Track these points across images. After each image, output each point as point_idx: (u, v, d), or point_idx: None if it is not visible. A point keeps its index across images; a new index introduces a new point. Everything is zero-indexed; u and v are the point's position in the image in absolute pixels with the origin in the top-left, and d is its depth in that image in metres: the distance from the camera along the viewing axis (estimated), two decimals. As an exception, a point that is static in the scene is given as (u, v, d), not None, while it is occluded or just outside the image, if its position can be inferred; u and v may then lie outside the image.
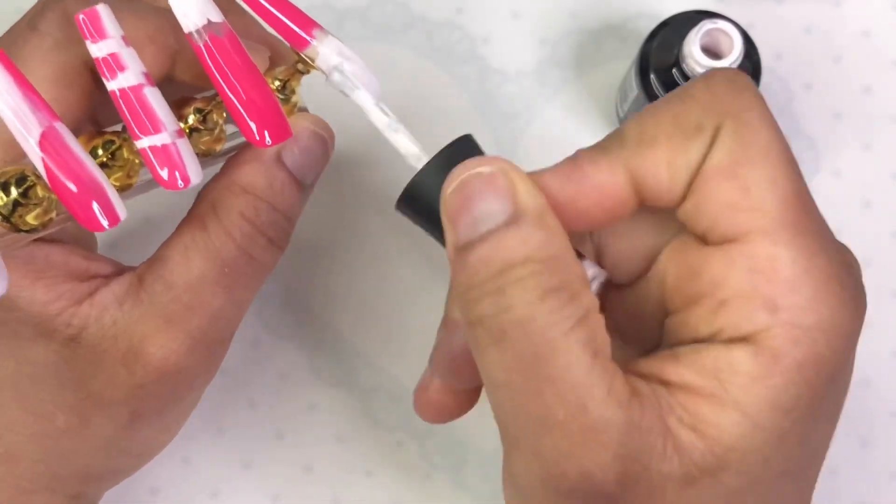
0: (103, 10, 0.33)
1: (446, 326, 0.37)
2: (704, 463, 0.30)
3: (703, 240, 0.32)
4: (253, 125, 0.35)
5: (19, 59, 0.36)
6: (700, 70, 0.45)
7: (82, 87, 0.37)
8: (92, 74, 0.36)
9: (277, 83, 0.37)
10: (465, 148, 0.34)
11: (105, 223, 0.33)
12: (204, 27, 0.34)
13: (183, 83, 0.38)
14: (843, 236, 0.50)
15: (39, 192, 0.34)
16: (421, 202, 0.34)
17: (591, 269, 0.34)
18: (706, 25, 0.45)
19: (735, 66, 0.45)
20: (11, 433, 0.38)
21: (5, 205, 0.34)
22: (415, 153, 0.35)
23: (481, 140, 0.52)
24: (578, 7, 0.52)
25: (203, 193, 0.38)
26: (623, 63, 0.51)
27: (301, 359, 0.50)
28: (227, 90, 0.34)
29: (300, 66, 0.37)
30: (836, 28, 0.52)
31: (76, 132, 0.37)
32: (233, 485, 0.49)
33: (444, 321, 0.37)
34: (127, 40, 0.34)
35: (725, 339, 0.31)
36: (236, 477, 0.49)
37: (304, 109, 0.40)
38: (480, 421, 0.50)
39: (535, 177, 0.33)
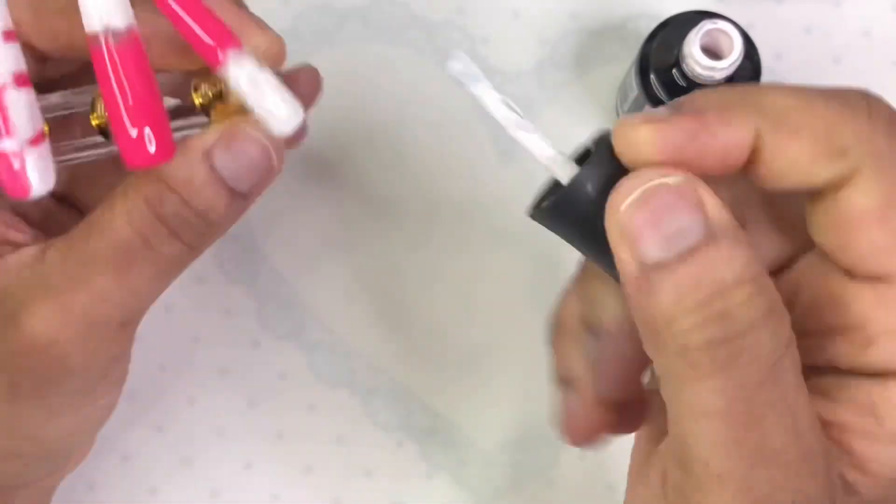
0: None
1: (576, 339, 0.36)
2: (872, 497, 0.30)
3: (848, 273, 0.31)
4: (124, 143, 0.34)
5: None
6: (700, 70, 0.45)
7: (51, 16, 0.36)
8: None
9: (202, 97, 0.36)
10: (610, 150, 0.31)
11: (15, 192, 0.33)
12: (102, 32, 0.33)
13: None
14: (842, 236, 0.50)
15: None
16: (570, 212, 0.31)
17: None
18: (706, 26, 0.45)
19: (735, 66, 0.45)
20: None
21: None
22: (550, 155, 0.32)
23: (480, 141, 0.52)
24: (578, 7, 0.52)
25: (129, 176, 0.37)
26: (623, 63, 0.51)
27: (301, 359, 0.50)
28: (114, 101, 0.33)
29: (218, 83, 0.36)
30: (836, 28, 0.52)
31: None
32: (233, 485, 0.49)
33: (564, 335, 0.36)
34: (11, 35, 0.33)
35: (877, 374, 0.30)
36: (236, 477, 0.49)
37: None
38: (480, 420, 0.50)
39: (658, 129, 0.30)
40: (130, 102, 0.33)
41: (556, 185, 0.32)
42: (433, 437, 0.49)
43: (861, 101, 0.30)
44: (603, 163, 0.31)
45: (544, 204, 0.31)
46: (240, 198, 0.37)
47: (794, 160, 0.30)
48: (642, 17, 0.52)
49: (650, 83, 0.47)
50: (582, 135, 0.51)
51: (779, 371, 0.29)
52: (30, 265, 0.37)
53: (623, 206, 0.30)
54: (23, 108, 0.33)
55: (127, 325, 0.38)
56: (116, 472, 0.49)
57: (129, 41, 0.33)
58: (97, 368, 0.39)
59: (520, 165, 0.51)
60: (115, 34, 0.33)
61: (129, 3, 0.33)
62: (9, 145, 0.33)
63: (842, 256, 0.31)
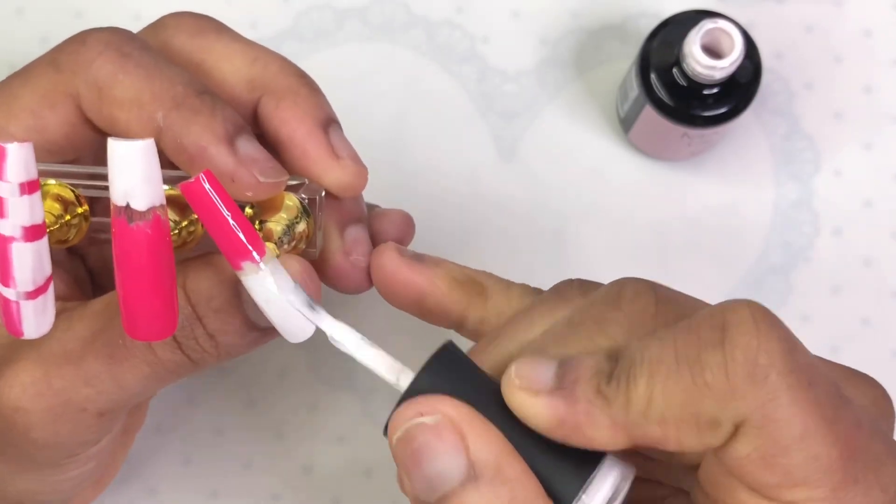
0: (13, 152, 0.31)
1: None
2: None
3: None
4: (126, 314, 0.32)
5: (27, 86, 0.37)
6: (700, 70, 0.45)
7: (66, 114, 0.36)
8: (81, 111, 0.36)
9: (252, 211, 0.36)
10: (449, 356, 0.32)
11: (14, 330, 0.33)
12: (122, 207, 0.31)
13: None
14: (843, 236, 0.50)
15: None
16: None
17: (614, 472, 0.31)
18: (707, 25, 0.45)
19: (735, 65, 0.45)
20: None
21: None
22: (397, 368, 0.33)
23: (480, 140, 0.52)
24: (578, 7, 0.52)
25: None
26: (623, 63, 0.51)
27: (301, 359, 0.50)
28: (121, 275, 0.32)
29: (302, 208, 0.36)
30: (836, 28, 0.52)
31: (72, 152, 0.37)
32: (233, 485, 0.49)
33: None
34: (33, 186, 0.31)
35: None
36: (236, 477, 0.49)
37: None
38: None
39: (522, 398, 0.30)
40: (135, 283, 0.32)
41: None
42: (433, 437, 0.49)
43: (717, 355, 0.29)
44: (434, 373, 0.32)
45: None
46: (257, 332, 0.36)
47: (667, 445, 0.30)
48: (642, 17, 0.52)
49: (650, 82, 0.47)
50: (582, 135, 0.51)
51: None
52: None
53: (393, 443, 0.31)
54: (27, 261, 0.32)
55: (105, 416, 0.37)
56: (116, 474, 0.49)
57: (146, 223, 0.31)
58: (62, 449, 0.38)
59: (520, 165, 0.51)
60: (133, 213, 0.31)
61: (159, 181, 0.31)
62: (8, 294, 0.32)
63: (738, 485, 0.30)
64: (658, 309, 0.32)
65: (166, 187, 0.33)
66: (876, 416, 0.33)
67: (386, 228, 0.41)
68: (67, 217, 0.36)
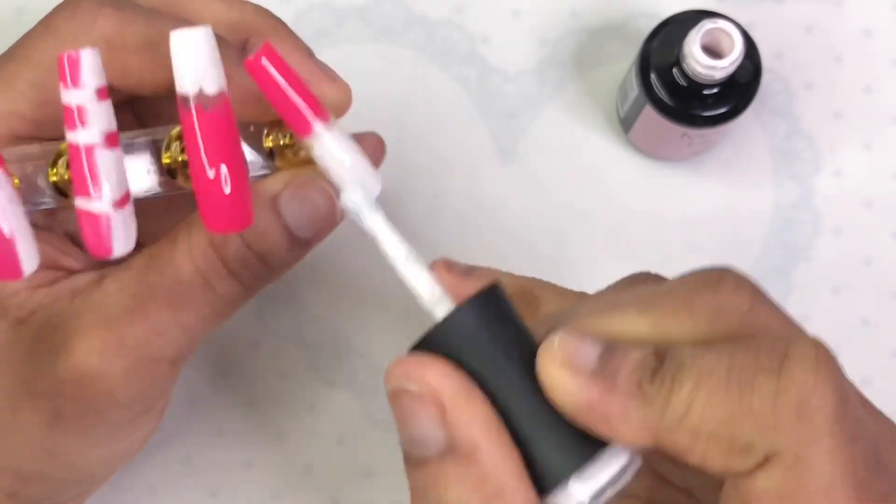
0: (86, 58, 0.32)
1: None
2: None
3: None
4: (206, 207, 0.33)
5: (24, 52, 0.37)
6: (700, 70, 0.45)
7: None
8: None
9: (273, 143, 0.37)
10: (489, 304, 0.31)
11: (3, 273, 0.33)
12: (193, 96, 0.32)
13: None
14: (843, 236, 0.50)
15: None
16: (441, 346, 0.31)
17: (618, 460, 0.30)
18: (706, 25, 0.45)
19: (735, 65, 0.45)
20: None
21: None
22: (436, 296, 0.31)
23: (480, 140, 0.52)
24: (578, 7, 0.52)
25: (194, 213, 0.37)
26: (623, 63, 0.51)
27: (301, 359, 0.50)
28: (198, 166, 0.33)
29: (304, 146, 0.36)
30: (836, 28, 0.52)
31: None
32: (233, 485, 0.49)
33: None
34: (104, 93, 0.32)
35: None
36: (236, 477, 0.49)
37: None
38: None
39: (573, 382, 0.29)
40: (215, 169, 0.33)
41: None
42: (433, 437, 0.49)
43: (772, 376, 0.29)
44: (475, 309, 0.30)
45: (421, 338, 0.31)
46: (300, 244, 0.37)
47: (689, 457, 0.29)
48: (642, 17, 0.52)
49: (650, 82, 0.47)
50: (582, 134, 0.51)
51: None
52: (84, 292, 0.37)
53: (388, 394, 0.31)
54: (112, 169, 0.33)
55: (176, 362, 0.38)
56: (116, 473, 0.49)
57: (219, 106, 0.32)
58: (142, 402, 0.39)
59: (520, 165, 0.51)
60: (206, 99, 0.32)
61: (222, 66, 0.32)
62: (96, 206, 0.33)
63: None
64: (752, 309, 0.31)
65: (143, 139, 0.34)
66: None
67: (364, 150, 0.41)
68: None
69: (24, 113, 0.37)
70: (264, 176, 0.38)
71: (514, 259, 0.50)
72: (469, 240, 0.50)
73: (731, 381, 0.29)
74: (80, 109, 0.32)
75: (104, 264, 0.38)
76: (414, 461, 0.31)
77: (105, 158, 0.32)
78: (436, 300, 0.31)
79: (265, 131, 0.37)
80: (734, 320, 0.31)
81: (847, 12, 0.52)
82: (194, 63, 0.32)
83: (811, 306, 0.50)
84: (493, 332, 0.30)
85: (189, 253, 0.36)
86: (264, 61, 0.32)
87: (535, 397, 0.30)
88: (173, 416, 0.49)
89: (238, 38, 0.39)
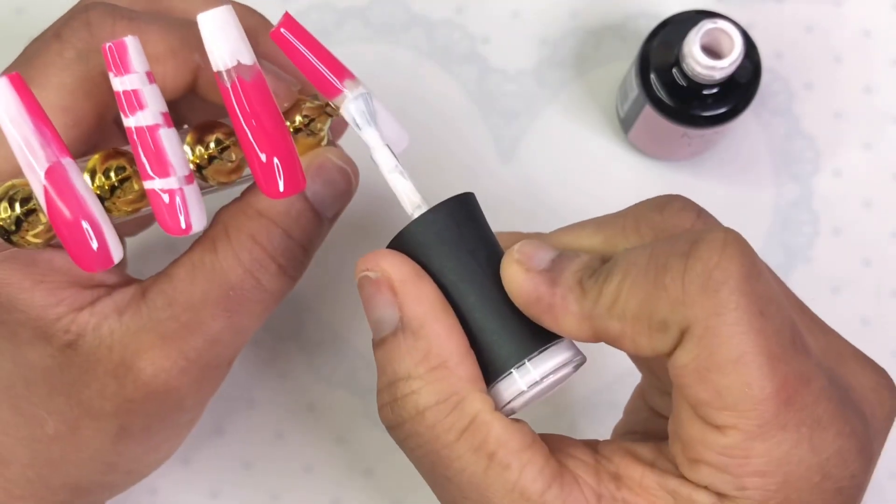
0: (131, 43, 0.33)
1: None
2: None
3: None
4: (265, 176, 0.34)
5: (41, 66, 0.36)
6: (700, 70, 0.45)
7: (100, 96, 0.36)
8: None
9: (302, 119, 0.37)
10: (461, 209, 0.35)
11: (97, 264, 0.33)
12: (233, 68, 0.33)
13: (206, 100, 0.38)
14: (843, 236, 0.50)
15: (41, 217, 0.34)
16: (411, 243, 0.34)
17: (563, 355, 0.34)
18: (706, 25, 0.45)
19: (735, 65, 0.45)
20: (3, 435, 0.38)
21: (8, 218, 0.34)
22: (415, 202, 0.35)
23: (480, 140, 0.52)
24: (578, 7, 0.52)
25: (218, 215, 0.38)
26: (623, 63, 0.51)
27: (301, 359, 0.50)
28: (246, 136, 0.34)
29: (328, 109, 0.37)
30: (836, 28, 0.52)
31: (93, 141, 0.37)
32: (233, 485, 0.49)
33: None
34: (152, 76, 0.33)
35: (695, 482, 0.32)
36: (236, 477, 0.49)
37: (332, 144, 0.39)
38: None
39: (522, 277, 0.33)
40: (264, 137, 0.34)
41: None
42: (433, 437, 0.49)
43: (679, 260, 0.31)
44: (443, 211, 0.34)
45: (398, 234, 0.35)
46: (327, 223, 0.39)
47: (623, 343, 0.32)
48: (642, 17, 0.52)
49: (650, 83, 0.47)
50: (582, 134, 0.51)
51: (450, 454, 0.32)
52: (131, 310, 0.37)
53: (357, 287, 0.34)
54: (176, 145, 0.34)
55: (232, 363, 0.39)
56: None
57: (255, 77, 0.34)
58: (204, 404, 0.40)
59: (520, 165, 0.51)
60: (245, 70, 0.33)
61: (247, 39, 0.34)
62: (168, 183, 0.33)
63: (683, 396, 0.32)
64: (694, 224, 0.34)
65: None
66: (871, 401, 0.33)
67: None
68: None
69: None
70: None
71: (514, 259, 0.50)
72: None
73: (649, 266, 0.32)
74: (135, 93, 0.33)
75: (135, 279, 0.38)
76: (376, 343, 0.34)
77: (168, 136, 0.34)
78: (416, 206, 0.35)
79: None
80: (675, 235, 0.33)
81: (847, 12, 0.52)
82: (228, 38, 0.33)
83: (811, 306, 0.50)
84: (460, 233, 0.34)
85: (234, 256, 0.37)
86: (283, 31, 0.34)
87: (494, 294, 0.34)
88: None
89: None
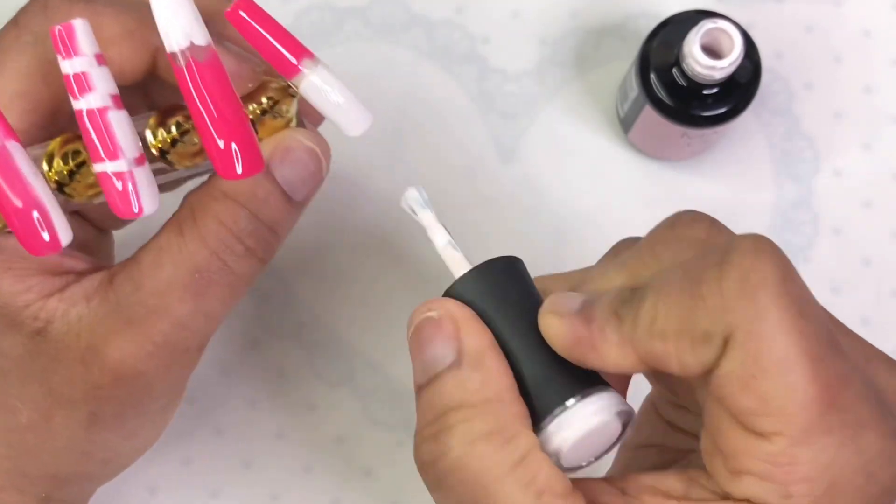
0: (79, 26, 0.33)
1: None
2: None
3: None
4: (221, 159, 0.34)
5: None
6: (700, 70, 0.45)
7: (58, 80, 0.36)
8: None
9: (267, 101, 0.37)
10: (505, 268, 0.35)
11: (45, 249, 0.33)
12: (186, 49, 0.33)
13: (166, 83, 0.38)
14: (843, 236, 0.50)
15: None
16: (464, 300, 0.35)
17: (605, 400, 0.34)
18: (706, 25, 0.45)
19: (735, 65, 0.45)
20: None
21: None
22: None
23: (480, 140, 0.52)
24: (578, 7, 0.52)
25: (186, 199, 0.38)
26: (623, 63, 0.51)
27: (301, 359, 0.50)
28: (201, 117, 0.34)
29: (291, 91, 0.37)
30: (836, 28, 0.52)
31: (54, 127, 0.37)
32: (233, 485, 0.49)
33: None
34: (102, 58, 0.33)
35: (735, 496, 0.31)
36: (236, 477, 0.49)
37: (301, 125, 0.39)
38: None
39: (559, 325, 0.33)
40: (218, 118, 0.34)
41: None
42: (433, 437, 0.49)
43: (714, 268, 0.31)
44: (483, 274, 0.35)
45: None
46: (297, 206, 0.38)
47: (669, 364, 0.32)
48: (642, 17, 0.52)
49: (650, 82, 0.47)
50: (582, 135, 0.51)
51: (498, 490, 0.32)
52: (99, 295, 0.37)
53: (409, 337, 0.35)
54: (125, 127, 0.34)
55: (202, 348, 0.39)
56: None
57: (210, 58, 0.33)
58: (175, 390, 0.40)
59: (520, 165, 0.51)
60: (198, 51, 0.33)
61: (202, 20, 0.34)
62: (117, 166, 0.33)
63: (722, 408, 0.31)
64: (709, 234, 0.34)
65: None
66: (894, 401, 0.33)
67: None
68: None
69: (14, 123, 0.37)
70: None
71: (514, 259, 0.50)
72: (468, 239, 0.50)
73: (684, 282, 0.31)
74: (84, 75, 0.33)
75: (104, 265, 0.38)
76: (425, 383, 0.34)
77: (118, 118, 0.33)
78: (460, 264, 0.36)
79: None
80: (695, 249, 0.33)
81: (847, 12, 0.52)
82: (181, 18, 0.33)
83: (811, 306, 0.50)
84: (505, 290, 0.35)
85: (200, 238, 0.36)
86: (241, 12, 0.34)
87: (537, 345, 0.34)
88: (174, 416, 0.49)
89: None
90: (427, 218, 0.37)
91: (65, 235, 0.33)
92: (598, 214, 0.51)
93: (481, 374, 0.33)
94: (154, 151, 0.36)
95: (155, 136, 0.36)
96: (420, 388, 0.34)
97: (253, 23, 0.34)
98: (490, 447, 0.32)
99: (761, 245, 0.31)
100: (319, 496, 0.49)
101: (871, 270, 0.50)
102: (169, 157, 0.36)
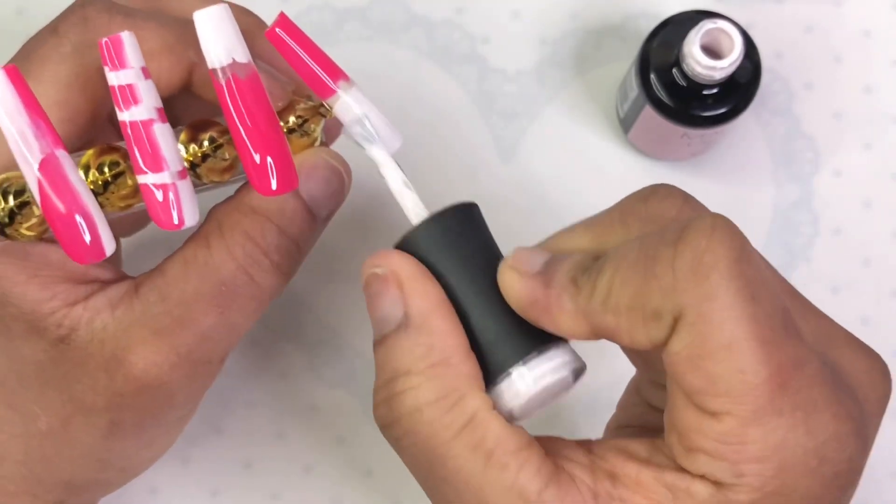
0: (127, 39, 0.33)
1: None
2: None
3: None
4: (258, 174, 0.35)
5: (38, 60, 0.36)
6: (700, 70, 0.45)
7: (96, 91, 0.36)
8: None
9: (296, 119, 0.37)
10: (463, 217, 0.35)
11: (89, 256, 0.33)
12: (228, 66, 0.34)
13: (200, 98, 0.38)
14: (843, 236, 0.50)
15: (34, 209, 0.34)
16: (412, 249, 0.35)
17: (561, 357, 0.34)
18: (706, 25, 0.45)
19: (735, 65, 0.45)
20: None
21: (2, 211, 0.34)
22: (421, 214, 0.35)
23: (480, 140, 0.52)
24: (578, 7, 0.52)
25: (212, 212, 0.38)
26: (623, 63, 0.51)
27: (301, 359, 0.50)
28: (240, 133, 0.34)
29: (322, 110, 0.37)
30: (836, 28, 0.52)
31: (88, 137, 0.37)
32: (233, 485, 0.49)
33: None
34: (147, 72, 0.34)
35: (691, 472, 0.32)
36: (236, 477, 0.49)
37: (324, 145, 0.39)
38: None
39: (517, 281, 0.33)
40: (256, 135, 0.34)
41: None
42: (433, 437, 0.49)
43: (669, 247, 0.31)
44: (444, 218, 0.35)
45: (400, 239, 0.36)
46: (320, 223, 0.39)
47: (620, 337, 0.32)
48: (642, 17, 0.52)
49: (650, 83, 0.47)
50: (582, 135, 0.51)
51: (448, 452, 0.32)
52: (124, 304, 0.37)
53: (363, 286, 0.35)
54: (170, 140, 0.34)
55: (224, 360, 0.39)
56: (116, 472, 0.49)
57: (250, 75, 0.34)
58: (196, 400, 0.40)
59: (520, 165, 0.51)
60: (239, 68, 0.34)
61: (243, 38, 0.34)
62: (161, 178, 0.34)
63: (673, 386, 0.32)
64: (680, 210, 0.34)
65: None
66: (864, 384, 0.33)
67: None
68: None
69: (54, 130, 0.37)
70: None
71: (514, 259, 0.50)
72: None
73: (639, 257, 0.32)
74: (130, 88, 0.33)
75: (128, 276, 0.38)
76: (378, 341, 0.34)
77: (163, 132, 0.34)
78: (421, 217, 0.35)
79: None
80: (663, 223, 0.33)
81: (847, 12, 0.52)
82: (224, 36, 0.34)
83: (811, 306, 0.50)
84: (461, 240, 0.35)
85: (228, 251, 0.37)
86: (278, 31, 0.34)
87: (493, 300, 0.34)
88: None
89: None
90: (378, 154, 0.36)
91: (109, 244, 0.34)
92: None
93: (427, 337, 0.33)
94: (185, 164, 0.36)
95: (187, 150, 0.36)
96: (375, 345, 0.34)
97: (292, 43, 0.35)
98: (436, 412, 0.33)
99: (718, 224, 0.31)
100: (319, 496, 0.49)
101: (871, 270, 0.50)
102: (199, 170, 0.37)
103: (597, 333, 0.33)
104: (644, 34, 0.48)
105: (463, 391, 0.33)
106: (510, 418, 0.34)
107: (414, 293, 0.34)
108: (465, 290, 0.34)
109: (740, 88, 0.47)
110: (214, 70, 0.34)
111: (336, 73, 0.35)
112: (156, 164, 0.34)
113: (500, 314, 0.34)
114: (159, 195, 0.34)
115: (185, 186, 0.34)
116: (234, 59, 0.34)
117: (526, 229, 0.51)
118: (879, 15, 0.52)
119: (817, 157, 0.51)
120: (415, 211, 0.35)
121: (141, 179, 0.34)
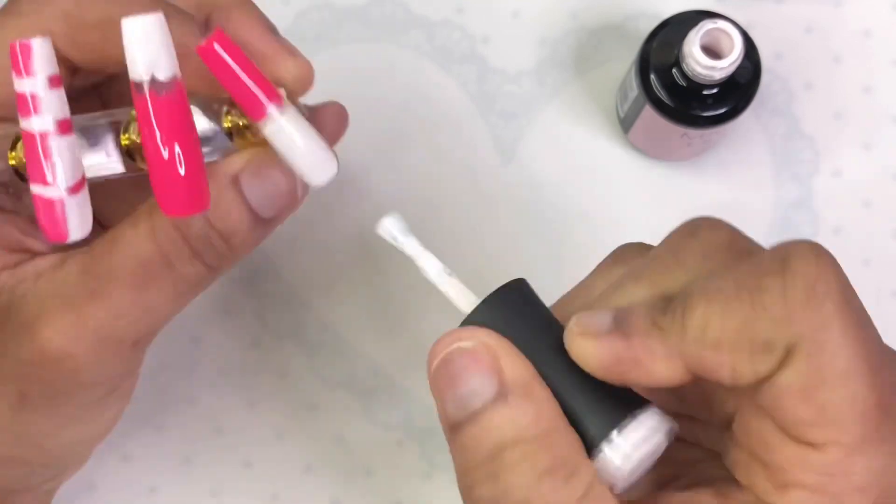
0: (38, 46, 0.32)
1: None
2: None
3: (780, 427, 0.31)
4: (162, 193, 0.34)
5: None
6: (700, 70, 0.45)
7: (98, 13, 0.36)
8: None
9: (231, 123, 0.36)
10: (517, 294, 0.34)
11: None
12: (147, 81, 0.32)
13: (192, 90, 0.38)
14: (843, 236, 0.50)
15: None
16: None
17: (652, 420, 0.32)
18: (706, 25, 0.45)
19: (735, 65, 0.45)
20: None
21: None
22: (471, 300, 0.34)
23: (480, 140, 0.52)
24: (578, 7, 0.52)
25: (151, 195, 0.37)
26: (623, 63, 0.51)
27: (301, 359, 0.50)
28: (155, 147, 0.33)
29: (248, 134, 0.36)
30: (836, 28, 0.52)
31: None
32: (233, 485, 0.49)
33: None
34: (57, 80, 0.33)
35: None
36: (236, 477, 0.49)
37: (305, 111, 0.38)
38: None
39: (596, 346, 0.31)
40: (168, 150, 0.33)
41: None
42: (433, 437, 0.49)
43: (777, 277, 0.30)
44: (495, 307, 0.33)
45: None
46: (262, 224, 0.38)
47: (721, 373, 0.31)
48: (642, 17, 0.52)
49: (650, 83, 0.47)
50: (582, 135, 0.51)
51: None
52: (47, 274, 0.37)
53: (432, 370, 0.32)
54: (66, 155, 0.33)
55: (139, 343, 0.38)
56: (116, 472, 0.49)
57: (172, 92, 0.33)
58: (107, 384, 0.39)
59: (520, 165, 0.51)
60: (159, 85, 0.33)
61: (174, 51, 0.33)
62: (50, 192, 0.33)
63: (770, 418, 0.31)
64: (733, 239, 0.33)
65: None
66: None
67: (327, 121, 0.41)
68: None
69: None
70: (226, 154, 0.38)
71: (513, 259, 0.50)
72: (469, 240, 0.50)
73: (741, 290, 0.30)
74: (32, 97, 0.33)
75: (67, 247, 0.37)
76: (459, 424, 0.32)
77: (58, 145, 0.33)
78: (472, 304, 0.34)
79: (224, 110, 0.37)
80: (722, 254, 0.33)
81: (847, 12, 0.52)
82: (146, 50, 0.32)
83: (811, 306, 0.50)
84: (522, 319, 0.33)
85: (151, 233, 0.36)
86: (216, 46, 0.33)
87: (568, 370, 0.32)
88: (173, 416, 0.49)
89: (201, 14, 0.39)
90: (412, 246, 0.35)
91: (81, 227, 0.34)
92: (598, 214, 0.51)
93: (532, 405, 0.31)
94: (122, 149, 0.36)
95: (126, 131, 0.36)
96: (457, 426, 0.32)
97: (228, 59, 0.33)
98: (555, 483, 0.30)
99: (821, 252, 0.30)
100: (319, 496, 0.49)
101: (871, 270, 0.50)
102: (136, 161, 0.36)
103: (694, 372, 0.31)
104: (644, 34, 0.48)
105: (577, 460, 0.31)
106: (612, 489, 0.32)
107: (511, 363, 0.32)
108: (538, 365, 0.32)
109: (740, 88, 0.47)
110: (134, 82, 0.33)
111: (272, 94, 0.34)
112: (48, 177, 0.33)
113: (579, 384, 0.32)
114: (47, 206, 0.33)
115: (74, 202, 0.34)
116: (152, 76, 0.32)
117: (526, 229, 0.51)
118: (879, 15, 0.52)
119: (817, 157, 0.51)
120: (463, 298, 0.34)
121: (32, 189, 0.33)
